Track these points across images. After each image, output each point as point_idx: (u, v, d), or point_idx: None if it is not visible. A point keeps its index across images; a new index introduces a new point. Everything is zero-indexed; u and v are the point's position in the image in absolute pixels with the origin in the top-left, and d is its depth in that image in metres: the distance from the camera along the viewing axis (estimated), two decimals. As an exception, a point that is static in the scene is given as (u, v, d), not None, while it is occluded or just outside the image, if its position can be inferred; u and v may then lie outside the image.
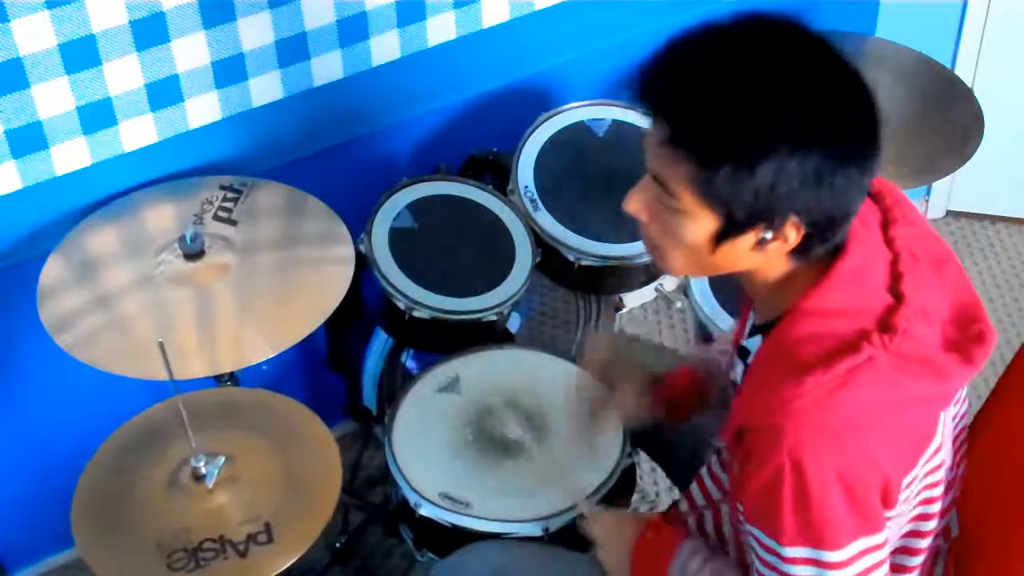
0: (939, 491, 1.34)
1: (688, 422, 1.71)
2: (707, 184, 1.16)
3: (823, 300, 1.22)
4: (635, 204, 1.26)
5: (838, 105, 1.15)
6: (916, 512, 1.33)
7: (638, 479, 1.91)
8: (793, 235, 1.19)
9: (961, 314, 1.30)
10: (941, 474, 1.32)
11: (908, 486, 1.26)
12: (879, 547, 1.25)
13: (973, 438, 1.54)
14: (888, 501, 1.24)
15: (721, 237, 1.20)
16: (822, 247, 1.22)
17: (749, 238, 1.20)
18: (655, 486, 2.51)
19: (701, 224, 1.20)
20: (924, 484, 1.30)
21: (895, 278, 1.25)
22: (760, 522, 1.26)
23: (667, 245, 1.26)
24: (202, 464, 1.62)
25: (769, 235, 1.19)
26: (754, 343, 1.33)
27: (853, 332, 1.20)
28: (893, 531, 1.30)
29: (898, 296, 1.23)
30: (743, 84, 1.14)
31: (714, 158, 1.14)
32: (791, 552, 1.23)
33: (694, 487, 1.57)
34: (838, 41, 1.18)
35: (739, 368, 1.40)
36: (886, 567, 1.27)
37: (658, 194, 1.22)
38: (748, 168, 1.13)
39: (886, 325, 1.21)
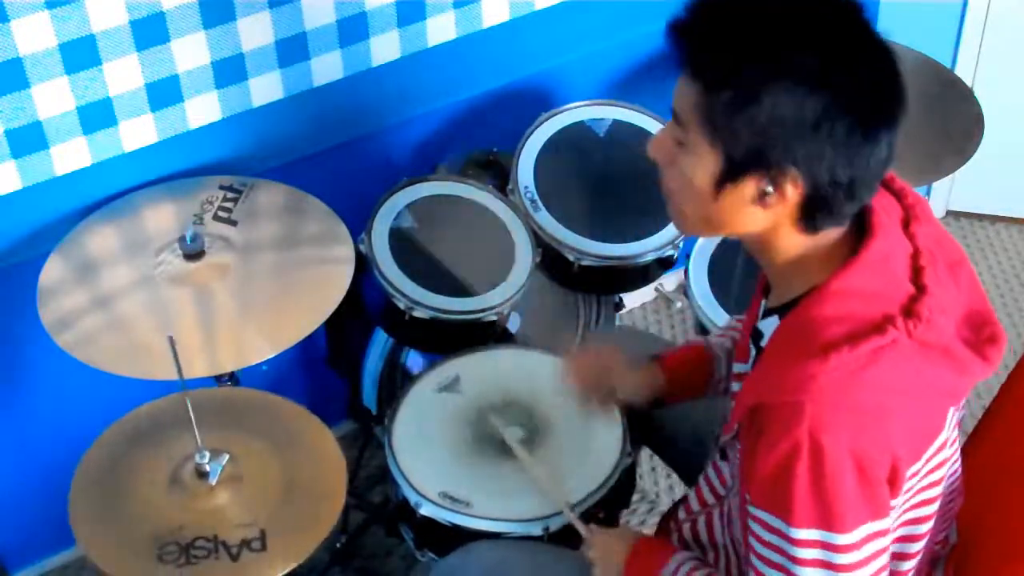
0: (937, 491, 1.34)
1: (686, 400, 1.71)
2: (709, 111, 1.18)
3: (850, 281, 1.23)
4: (655, 145, 1.29)
5: (852, 59, 1.16)
6: (911, 515, 1.33)
7: (638, 479, 1.91)
8: (791, 191, 1.19)
9: (973, 317, 1.31)
10: (942, 472, 1.32)
11: (911, 477, 1.26)
12: (884, 533, 1.25)
13: (975, 445, 1.54)
14: (894, 486, 1.24)
15: (723, 180, 1.21)
16: (828, 219, 1.23)
17: (749, 187, 1.21)
18: (655, 486, 2.51)
19: (705, 163, 1.21)
20: (925, 483, 1.30)
21: (916, 271, 1.26)
22: (769, 503, 1.25)
23: (679, 192, 1.27)
24: (206, 461, 1.62)
25: (769, 188, 1.20)
26: (769, 324, 1.33)
27: (879, 315, 1.21)
28: (892, 525, 1.30)
29: (920, 287, 1.24)
30: (759, 18, 1.16)
31: (717, 82, 1.17)
32: (800, 534, 1.23)
33: (691, 494, 1.58)
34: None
35: (752, 351, 1.40)
36: (888, 555, 1.27)
37: (674, 133, 1.24)
38: (747, 97, 1.15)
39: (910, 312, 1.22)
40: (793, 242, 1.26)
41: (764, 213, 1.23)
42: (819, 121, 1.15)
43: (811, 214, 1.22)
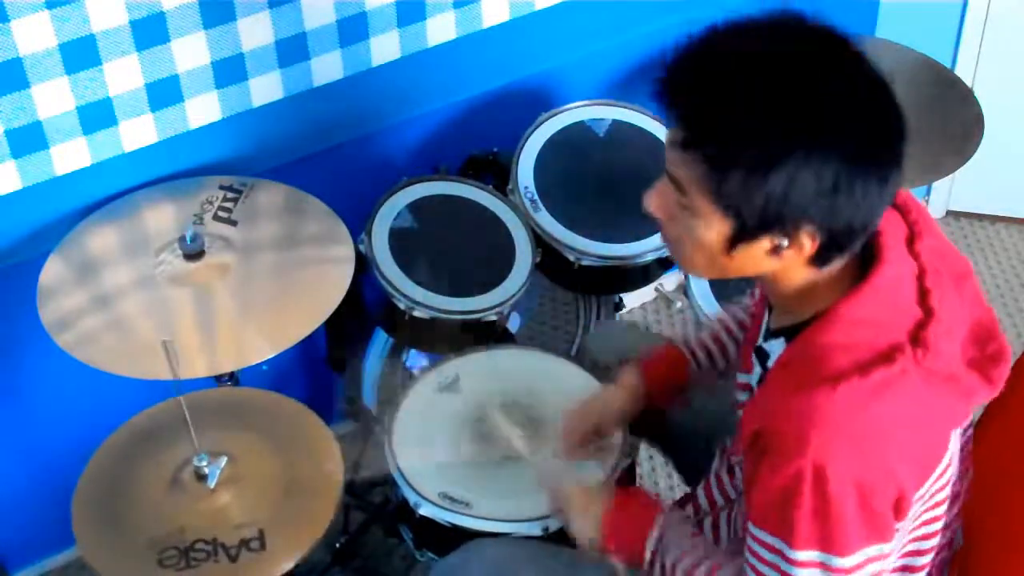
0: (942, 510, 1.33)
1: (680, 402, 1.71)
2: (719, 188, 1.16)
3: (858, 309, 1.22)
4: (653, 203, 1.27)
5: (856, 114, 1.14)
6: (919, 533, 1.33)
7: (638, 479, 1.91)
8: (808, 244, 1.18)
9: (979, 332, 1.29)
10: (946, 492, 1.32)
11: (917, 501, 1.26)
12: (885, 556, 1.24)
13: (975, 445, 1.53)
14: (900, 512, 1.23)
15: (735, 241, 1.20)
16: (840, 256, 1.22)
17: (764, 243, 1.20)
18: (655, 486, 2.51)
19: (715, 227, 1.20)
20: (930, 504, 1.30)
21: (923, 292, 1.24)
22: (769, 523, 1.25)
23: (685, 244, 1.25)
24: (204, 464, 1.62)
25: (784, 242, 1.19)
26: (775, 346, 1.33)
27: (886, 344, 1.20)
28: (896, 547, 1.30)
29: (927, 311, 1.23)
30: (759, 89, 1.12)
31: (726, 163, 1.14)
32: (800, 555, 1.22)
33: (700, 493, 1.57)
34: (861, 43, 1.17)
35: (756, 367, 1.40)
36: None
37: (674, 194, 1.22)
38: (760, 175, 1.13)
39: (917, 340, 1.20)
40: (801, 275, 1.25)
41: (777, 261, 1.22)
42: (836, 184, 1.13)
43: (825, 256, 1.21)
